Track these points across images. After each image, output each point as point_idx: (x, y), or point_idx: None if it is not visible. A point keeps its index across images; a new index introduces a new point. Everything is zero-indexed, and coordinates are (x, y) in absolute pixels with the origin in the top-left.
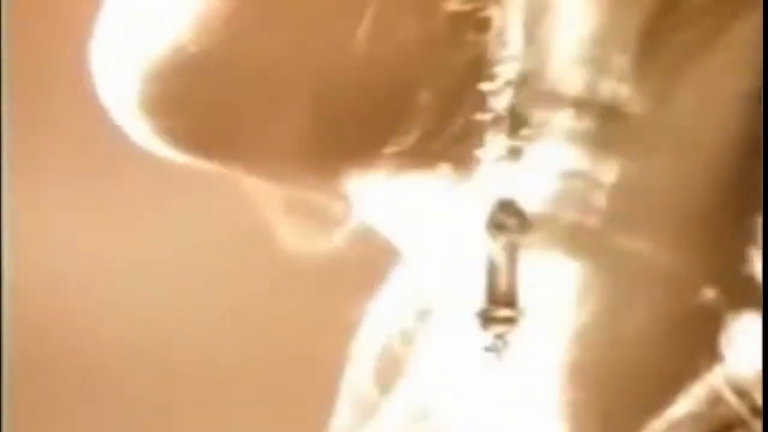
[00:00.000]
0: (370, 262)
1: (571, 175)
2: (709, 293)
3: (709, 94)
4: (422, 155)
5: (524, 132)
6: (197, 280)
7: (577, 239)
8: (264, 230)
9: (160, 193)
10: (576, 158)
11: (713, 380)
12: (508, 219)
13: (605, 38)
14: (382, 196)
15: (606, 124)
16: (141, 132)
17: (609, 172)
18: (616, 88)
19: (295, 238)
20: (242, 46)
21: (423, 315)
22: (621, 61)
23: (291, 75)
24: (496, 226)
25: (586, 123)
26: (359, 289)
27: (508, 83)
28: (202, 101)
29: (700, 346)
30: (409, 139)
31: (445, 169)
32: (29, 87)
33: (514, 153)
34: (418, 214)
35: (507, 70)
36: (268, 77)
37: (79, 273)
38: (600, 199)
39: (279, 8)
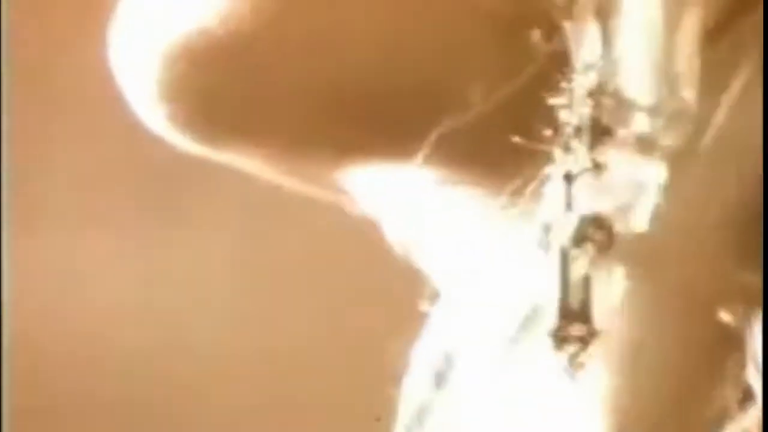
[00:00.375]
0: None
1: (631, 185)
2: (726, 316)
3: (745, 109)
4: (472, 170)
5: (607, 143)
6: (203, 297)
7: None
8: (281, 255)
9: (163, 210)
10: (638, 167)
11: (745, 422)
12: (596, 233)
13: (672, 46)
14: (418, 211)
15: (667, 133)
16: (156, 120)
17: (661, 180)
18: (683, 96)
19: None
20: (271, 31)
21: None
22: (686, 69)
23: (320, 64)
24: (581, 239)
25: (655, 132)
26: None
27: (587, 94)
28: (224, 86)
29: (723, 372)
30: (452, 148)
31: (501, 188)
32: (30, 98)
33: (598, 166)
34: (463, 236)
35: (583, 80)
36: (296, 65)
37: (79, 294)
38: (648, 209)
39: None
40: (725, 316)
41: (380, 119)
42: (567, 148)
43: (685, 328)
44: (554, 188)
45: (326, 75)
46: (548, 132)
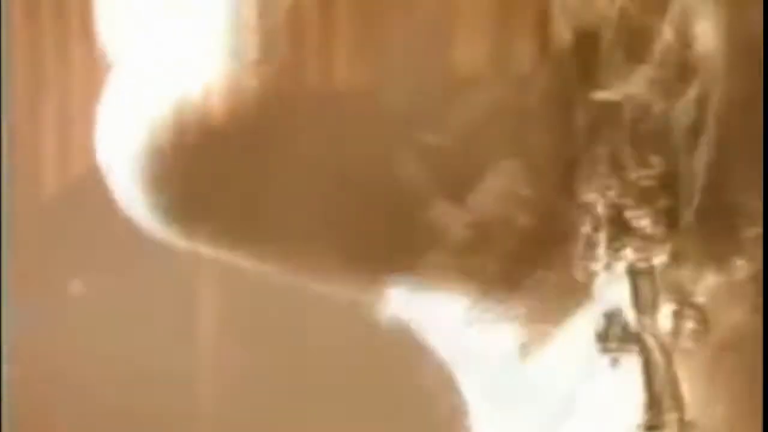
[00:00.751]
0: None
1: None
2: None
3: None
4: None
5: (685, 231)
6: (202, 379)
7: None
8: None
9: (160, 289)
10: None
11: None
12: (694, 324)
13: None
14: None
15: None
16: (139, 210)
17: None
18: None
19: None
20: (277, 125)
21: None
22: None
23: (334, 160)
24: (677, 332)
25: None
26: None
27: (659, 186)
28: (224, 178)
29: None
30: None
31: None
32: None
33: (678, 256)
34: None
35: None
36: (294, 160)
37: (80, 369)
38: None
39: (329, 85)
40: None
41: (414, 225)
42: (614, 243)
43: (733, 402)
44: (608, 284)
45: (343, 173)
46: (586, 228)
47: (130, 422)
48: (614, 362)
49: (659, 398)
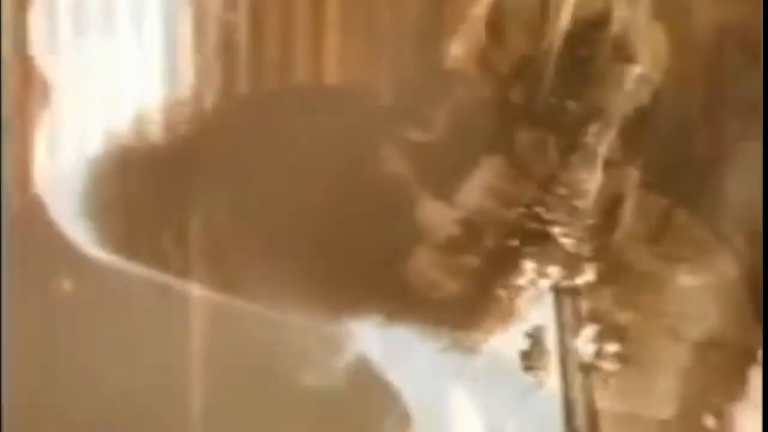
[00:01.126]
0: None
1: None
2: (710, 420)
3: None
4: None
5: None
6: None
7: None
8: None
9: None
10: None
11: None
12: (616, 346)
13: None
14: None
15: None
16: (80, 233)
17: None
18: None
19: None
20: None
21: None
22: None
23: (298, 199)
24: (600, 356)
25: None
26: None
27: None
28: (143, 200)
29: None
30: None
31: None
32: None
33: (605, 277)
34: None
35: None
36: (272, 202)
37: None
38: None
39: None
40: (710, 421)
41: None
42: (542, 260)
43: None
44: (536, 302)
45: (309, 210)
46: (514, 242)
47: (129, 421)
48: (540, 383)
49: (575, 418)
